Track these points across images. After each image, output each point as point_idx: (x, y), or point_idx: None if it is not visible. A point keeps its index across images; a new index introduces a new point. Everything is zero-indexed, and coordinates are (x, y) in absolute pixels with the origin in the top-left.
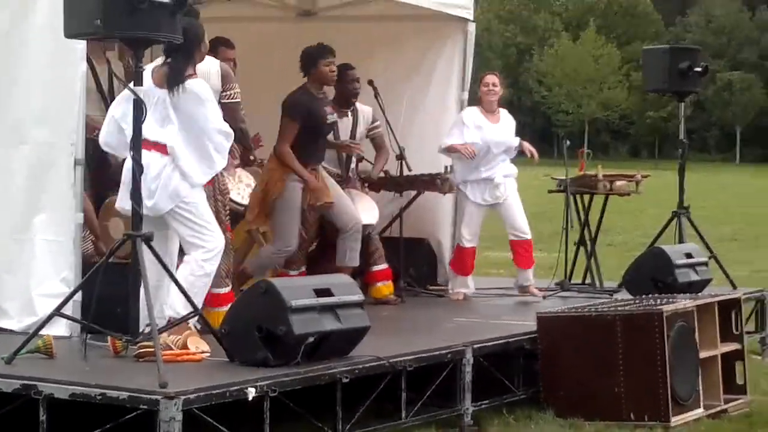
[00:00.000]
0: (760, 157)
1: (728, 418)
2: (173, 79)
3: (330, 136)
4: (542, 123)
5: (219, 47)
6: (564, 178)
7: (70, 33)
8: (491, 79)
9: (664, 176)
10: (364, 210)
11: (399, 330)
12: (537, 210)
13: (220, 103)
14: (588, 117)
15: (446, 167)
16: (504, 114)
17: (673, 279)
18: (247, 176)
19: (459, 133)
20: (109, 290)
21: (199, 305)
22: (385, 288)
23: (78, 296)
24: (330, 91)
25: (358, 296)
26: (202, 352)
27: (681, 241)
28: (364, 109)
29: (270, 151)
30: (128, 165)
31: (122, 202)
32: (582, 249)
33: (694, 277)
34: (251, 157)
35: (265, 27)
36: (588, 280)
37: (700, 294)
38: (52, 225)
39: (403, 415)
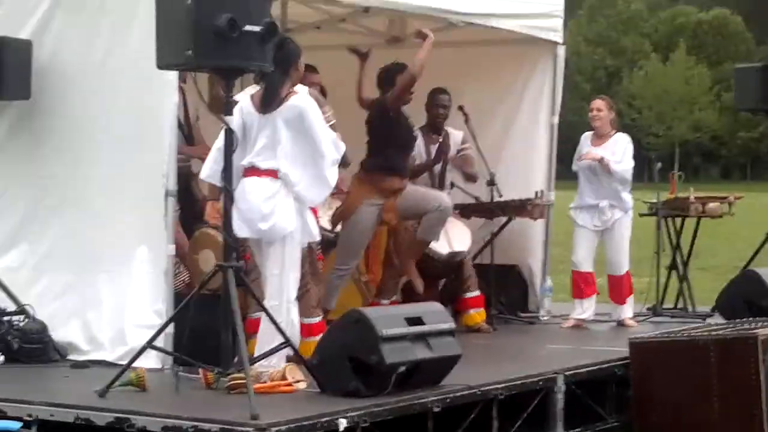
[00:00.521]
0: None
1: None
2: (268, 96)
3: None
4: (633, 146)
5: (304, 72)
6: (655, 201)
7: (162, 64)
8: (596, 104)
9: (757, 198)
10: (457, 237)
11: (490, 358)
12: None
13: None
14: (678, 139)
15: (537, 192)
16: (615, 139)
17: None
18: (338, 203)
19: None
20: (200, 322)
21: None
22: (477, 315)
23: (170, 328)
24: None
25: (450, 324)
26: (297, 382)
27: None
28: (455, 134)
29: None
30: (240, 187)
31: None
32: (674, 273)
33: None
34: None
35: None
36: (680, 305)
37: None
38: (148, 256)
39: None
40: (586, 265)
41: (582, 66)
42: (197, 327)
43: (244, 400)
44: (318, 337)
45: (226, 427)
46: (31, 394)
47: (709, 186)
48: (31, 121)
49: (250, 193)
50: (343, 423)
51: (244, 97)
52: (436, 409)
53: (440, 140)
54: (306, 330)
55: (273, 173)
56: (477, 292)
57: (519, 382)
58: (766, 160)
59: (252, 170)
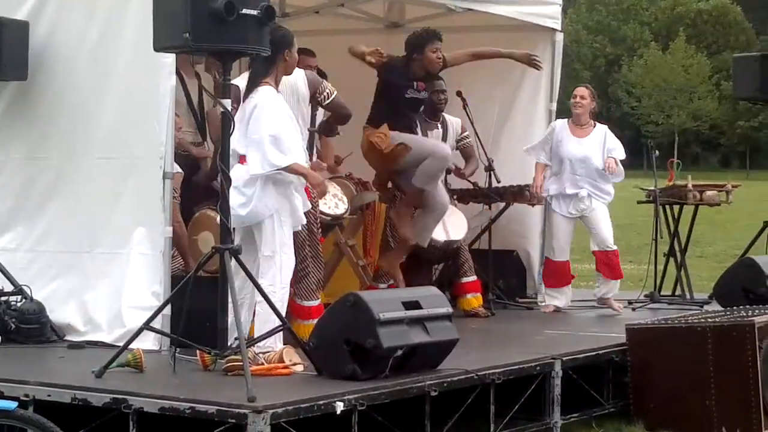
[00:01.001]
0: None
1: None
2: (249, 83)
3: None
4: (632, 134)
5: (300, 55)
6: (653, 188)
7: (159, 46)
8: (579, 91)
9: (755, 186)
10: (453, 224)
11: (487, 343)
12: (626, 221)
13: (321, 105)
14: (678, 127)
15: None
16: (597, 130)
17: (765, 290)
18: (335, 187)
19: (541, 147)
20: (197, 304)
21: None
22: (474, 300)
23: (167, 310)
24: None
25: (447, 309)
26: (294, 365)
27: None
28: (453, 121)
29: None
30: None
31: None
32: (672, 260)
33: None
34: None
35: (353, 39)
36: (678, 292)
37: None
38: (146, 238)
39: (492, 428)
40: (562, 255)
41: (582, 54)
42: (195, 308)
43: (241, 382)
44: (316, 320)
45: (222, 408)
46: (28, 375)
47: (709, 174)
48: (26, 101)
49: (234, 180)
50: (340, 406)
51: (242, 83)
52: (433, 393)
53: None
54: (305, 313)
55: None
56: (473, 277)
57: (516, 367)
58: (766, 149)
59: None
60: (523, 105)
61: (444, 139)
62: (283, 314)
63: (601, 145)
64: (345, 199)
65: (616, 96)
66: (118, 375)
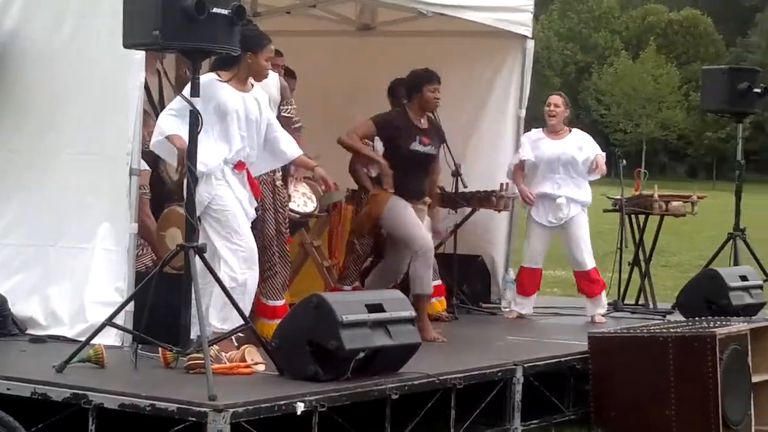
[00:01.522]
0: None
1: None
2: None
3: None
4: (600, 141)
5: None
6: (620, 197)
7: (129, 43)
8: (553, 99)
9: (721, 197)
10: None
11: (450, 347)
12: (592, 229)
13: (279, 115)
14: (646, 136)
15: (502, 185)
16: (579, 135)
17: (727, 302)
18: (304, 186)
19: (520, 150)
20: (161, 301)
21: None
22: (438, 304)
23: (130, 306)
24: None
25: (410, 312)
26: (256, 364)
27: (736, 263)
28: None
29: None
30: None
31: None
32: (636, 269)
33: (749, 300)
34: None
35: (324, 41)
36: (641, 301)
37: (754, 317)
38: (111, 234)
39: None
40: (534, 263)
41: (553, 60)
42: (158, 306)
43: (202, 381)
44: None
45: (183, 406)
46: None
47: (675, 184)
48: None
49: None
50: (300, 406)
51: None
52: (394, 396)
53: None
54: (270, 312)
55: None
56: (438, 281)
57: (478, 372)
58: (732, 160)
59: None
60: (493, 111)
61: None
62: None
63: (578, 146)
64: (314, 197)
65: (586, 103)
66: (79, 370)
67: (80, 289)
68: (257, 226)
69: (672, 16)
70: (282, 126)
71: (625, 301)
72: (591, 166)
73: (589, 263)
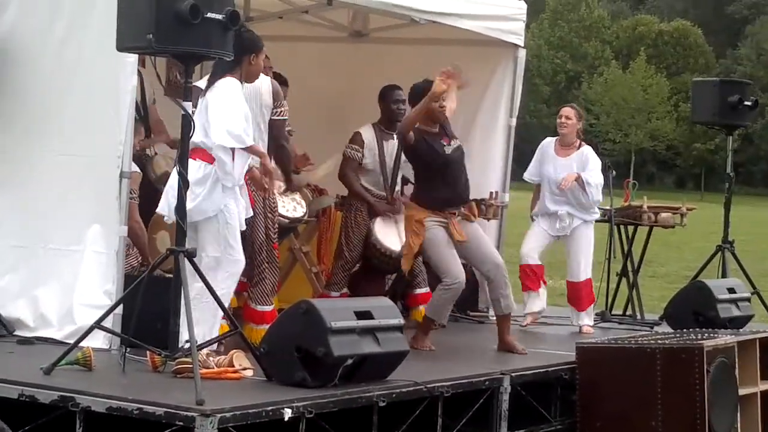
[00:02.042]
0: None
1: None
2: (210, 79)
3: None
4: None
5: None
6: (609, 208)
7: (122, 46)
8: (565, 112)
9: (709, 209)
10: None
11: (438, 355)
12: None
13: (270, 119)
14: (635, 146)
15: (491, 193)
16: (583, 152)
17: (715, 314)
18: (293, 191)
19: (532, 165)
20: (150, 305)
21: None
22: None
23: (119, 309)
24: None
25: (399, 320)
26: (244, 369)
27: (724, 275)
28: None
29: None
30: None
31: (163, 209)
32: (624, 280)
33: (736, 313)
34: (289, 181)
35: (316, 47)
36: (629, 312)
37: (741, 330)
38: (101, 237)
39: None
40: (529, 258)
41: (543, 69)
42: (147, 309)
43: (190, 385)
44: (269, 326)
45: (170, 410)
46: None
47: (664, 195)
48: None
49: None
50: (288, 412)
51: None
52: (382, 404)
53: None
54: (258, 317)
55: (201, 152)
56: (426, 289)
57: (465, 380)
58: (720, 171)
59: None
60: (484, 119)
61: (399, 149)
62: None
63: (579, 168)
64: (303, 203)
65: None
66: (67, 373)
67: (69, 291)
68: (246, 231)
69: (662, 27)
70: (277, 130)
71: (613, 312)
72: (562, 184)
73: (583, 275)
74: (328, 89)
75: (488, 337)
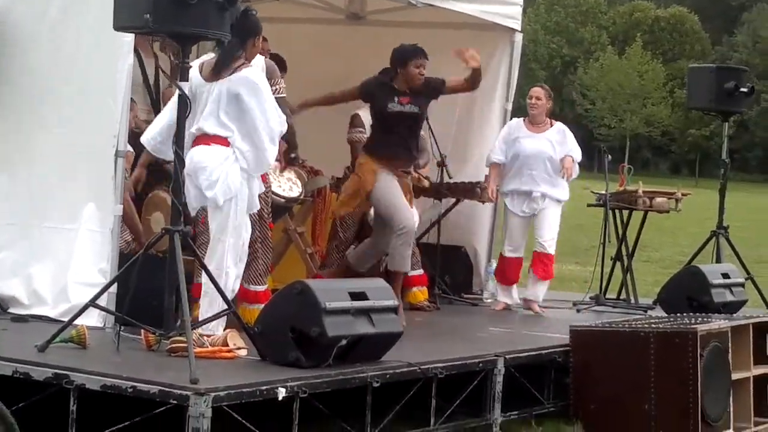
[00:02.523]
0: None
1: None
2: (219, 63)
3: None
4: (584, 136)
5: None
6: (604, 192)
7: (119, 26)
8: (535, 92)
9: (704, 195)
10: None
11: (432, 337)
12: (575, 223)
13: None
14: (630, 132)
15: (486, 176)
16: (554, 129)
17: (709, 299)
18: (288, 170)
19: (498, 149)
20: (145, 283)
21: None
22: (420, 293)
23: (113, 288)
24: None
25: (393, 301)
26: (238, 349)
27: (718, 260)
28: None
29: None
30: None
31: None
32: (618, 264)
33: (730, 298)
34: (292, 155)
35: (313, 28)
36: (623, 296)
37: (735, 315)
38: (96, 215)
39: (432, 422)
40: (514, 252)
41: (539, 54)
42: (141, 288)
43: (184, 364)
44: (263, 305)
45: (164, 389)
46: None
47: (659, 180)
48: None
49: (198, 162)
50: (281, 392)
51: (194, 65)
52: (376, 384)
53: None
54: (252, 297)
55: (221, 140)
56: (420, 271)
57: (459, 362)
58: (715, 158)
59: (201, 138)
60: (480, 103)
61: None
62: (231, 298)
63: (558, 143)
64: (299, 182)
65: (571, 97)
66: (61, 350)
67: (64, 269)
68: None
69: (659, 12)
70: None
71: (607, 296)
72: (561, 173)
73: (550, 248)
74: (324, 71)
75: (482, 319)
